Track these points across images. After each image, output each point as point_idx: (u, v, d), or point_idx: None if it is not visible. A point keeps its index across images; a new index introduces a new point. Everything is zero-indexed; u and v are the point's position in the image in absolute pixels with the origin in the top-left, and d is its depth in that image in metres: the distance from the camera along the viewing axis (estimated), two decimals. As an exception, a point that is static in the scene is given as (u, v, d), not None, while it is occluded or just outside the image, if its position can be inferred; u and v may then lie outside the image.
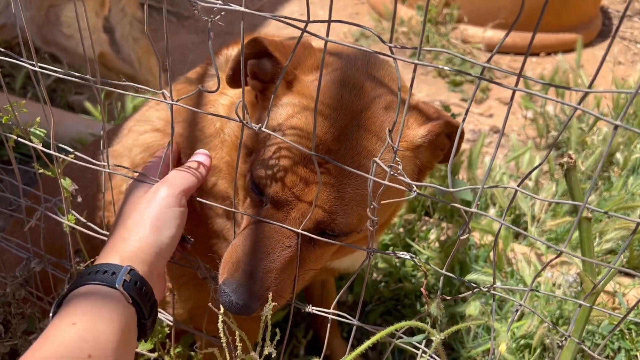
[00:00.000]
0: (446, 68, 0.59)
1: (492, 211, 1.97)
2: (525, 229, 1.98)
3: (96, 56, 2.14)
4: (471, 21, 3.40)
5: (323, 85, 0.84)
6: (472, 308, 0.92)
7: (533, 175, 2.18)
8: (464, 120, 0.62)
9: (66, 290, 0.81)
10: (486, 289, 0.80)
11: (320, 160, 0.79)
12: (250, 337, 0.92)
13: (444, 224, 1.91)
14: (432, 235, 1.87)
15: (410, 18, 3.42)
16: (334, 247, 0.90)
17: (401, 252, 0.81)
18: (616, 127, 0.59)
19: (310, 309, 0.91)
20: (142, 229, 0.85)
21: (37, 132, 0.92)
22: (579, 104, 0.62)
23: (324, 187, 0.81)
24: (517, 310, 0.85)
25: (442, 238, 1.87)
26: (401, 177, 0.68)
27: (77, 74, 0.84)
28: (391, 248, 1.86)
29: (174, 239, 0.88)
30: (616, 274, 1.84)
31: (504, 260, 1.82)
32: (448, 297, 0.83)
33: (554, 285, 1.68)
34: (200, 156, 0.96)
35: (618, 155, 2.29)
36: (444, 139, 0.92)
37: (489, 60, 0.60)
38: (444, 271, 0.79)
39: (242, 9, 0.64)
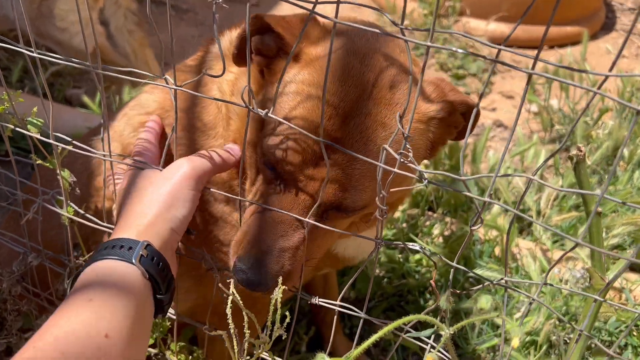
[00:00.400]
0: (460, 51, 0.56)
1: (496, 207, 1.94)
2: (530, 225, 1.95)
3: (92, 48, 2.10)
4: (473, 14, 3.36)
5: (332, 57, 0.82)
6: (484, 301, 0.89)
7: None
8: (479, 101, 0.59)
9: (83, 266, 0.80)
10: (497, 282, 0.77)
11: (330, 142, 0.76)
12: (258, 322, 0.90)
13: (447, 219, 1.88)
14: (436, 230, 1.84)
15: (412, 11, 3.38)
16: (344, 223, 0.89)
17: (411, 243, 0.78)
18: (638, 112, 0.56)
19: (317, 300, 0.89)
20: (158, 204, 0.84)
21: (35, 121, 0.89)
22: (598, 89, 0.59)
23: (334, 167, 0.79)
24: (530, 304, 0.82)
25: (446, 233, 1.84)
26: (411, 165, 0.65)
27: (77, 61, 0.81)
28: (394, 243, 1.83)
29: (186, 219, 0.87)
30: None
31: (509, 255, 1.79)
32: (458, 291, 0.80)
33: (560, 281, 1.65)
34: (231, 148, 0.95)
35: (624, 149, 2.26)
36: (459, 117, 0.89)
37: (504, 42, 0.57)
38: (454, 263, 0.76)
39: None
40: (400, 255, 1.78)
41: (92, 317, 0.71)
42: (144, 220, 0.82)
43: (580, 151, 1.14)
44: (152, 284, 0.80)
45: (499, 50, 0.56)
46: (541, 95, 2.84)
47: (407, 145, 0.64)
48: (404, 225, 1.85)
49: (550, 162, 2.33)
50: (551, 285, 0.76)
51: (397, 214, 1.85)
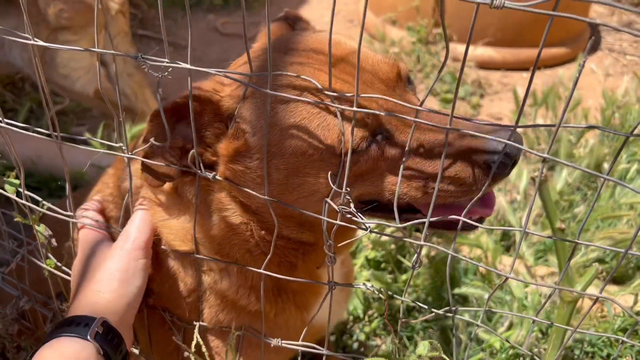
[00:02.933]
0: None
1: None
2: (514, 242, 2.03)
3: (94, 91, 2.21)
4: (461, 39, 3.47)
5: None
6: (422, 348, 0.97)
7: (521, 188, 2.23)
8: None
9: (40, 344, 0.85)
10: (442, 312, 0.84)
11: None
12: None
13: (433, 240, 1.97)
14: (423, 251, 1.92)
15: (401, 39, 3.50)
16: None
17: (360, 283, 0.86)
18: (544, 160, 0.65)
19: (280, 342, 0.96)
20: (112, 282, 0.89)
21: (12, 181, 0.98)
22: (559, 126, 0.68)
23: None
24: (473, 334, 0.89)
25: (432, 254, 1.92)
26: (355, 218, 0.73)
27: (39, 130, 0.91)
28: (383, 264, 1.91)
29: (141, 289, 0.93)
30: (603, 282, 1.88)
31: (493, 272, 1.86)
32: (413, 320, 0.88)
33: (540, 295, 1.72)
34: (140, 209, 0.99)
35: (605, 166, 2.34)
36: None
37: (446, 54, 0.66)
38: (404, 298, 0.84)
39: (188, 66, 0.70)
40: (389, 276, 1.86)
41: None
42: (100, 299, 0.88)
43: (542, 173, 1.23)
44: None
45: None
46: (528, 116, 2.93)
47: (348, 197, 0.72)
48: (392, 246, 1.93)
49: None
50: (491, 311, 0.84)
51: (385, 237, 1.93)
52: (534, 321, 0.87)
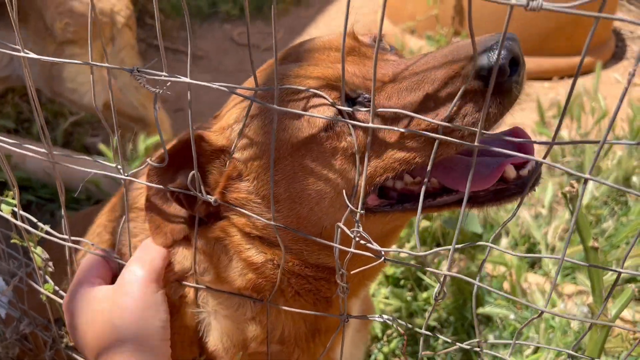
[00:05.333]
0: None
1: (504, 241, 1.94)
2: (540, 259, 1.95)
3: (103, 102, 2.18)
4: (481, 49, 3.41)
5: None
6: None
7: (546, 201, 2.15)
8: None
9: None
10: (468, 346, 0.77)
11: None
12: None
13: (455, 256, 1.89)
14: (444, 267, 1.85)
15: (420, 48, 3.44)
16: None
17: (375, 316, 0.79)
18: (585, 181, 0.58)
19: None
20: (133, 327, 0.81)
21: (10, 200, 0.93)
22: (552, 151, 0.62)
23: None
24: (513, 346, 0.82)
25: (454, 270, 1.85)
26: (369, 245, 0.66)
27: (33, 148, 0.85)
28: (402, 281, 1.84)
29: (167, 321, 0.85)
30: (635, 303, 1.79)
31: (518, 291, 1.78)
32: (433, 353, 0.81)
33: (568, 315, 1.64)
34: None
35: (634, 179, 2.25)
36: None
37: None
38: (424, 330, 0.77)
39: (187, 80, 0.65)
40: (409, 294, 1.79)
41: None
42: (128, 349, 0.80)
43: (573, 187, 1.16)
44: None
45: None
46: (551, 127, 2.84)
47: (360, 228, 0.65)
48: (412, 262, 1.86)
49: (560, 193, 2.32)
50: (519, 343, 0.77)
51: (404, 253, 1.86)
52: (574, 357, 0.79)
